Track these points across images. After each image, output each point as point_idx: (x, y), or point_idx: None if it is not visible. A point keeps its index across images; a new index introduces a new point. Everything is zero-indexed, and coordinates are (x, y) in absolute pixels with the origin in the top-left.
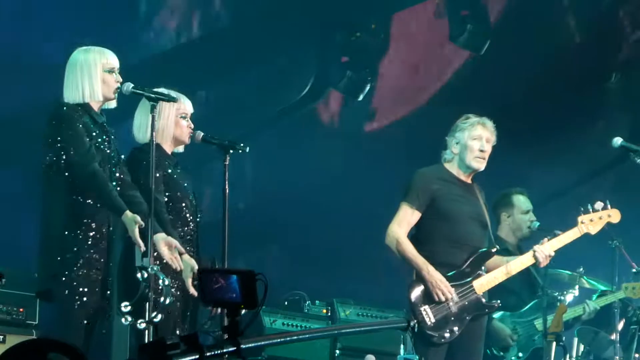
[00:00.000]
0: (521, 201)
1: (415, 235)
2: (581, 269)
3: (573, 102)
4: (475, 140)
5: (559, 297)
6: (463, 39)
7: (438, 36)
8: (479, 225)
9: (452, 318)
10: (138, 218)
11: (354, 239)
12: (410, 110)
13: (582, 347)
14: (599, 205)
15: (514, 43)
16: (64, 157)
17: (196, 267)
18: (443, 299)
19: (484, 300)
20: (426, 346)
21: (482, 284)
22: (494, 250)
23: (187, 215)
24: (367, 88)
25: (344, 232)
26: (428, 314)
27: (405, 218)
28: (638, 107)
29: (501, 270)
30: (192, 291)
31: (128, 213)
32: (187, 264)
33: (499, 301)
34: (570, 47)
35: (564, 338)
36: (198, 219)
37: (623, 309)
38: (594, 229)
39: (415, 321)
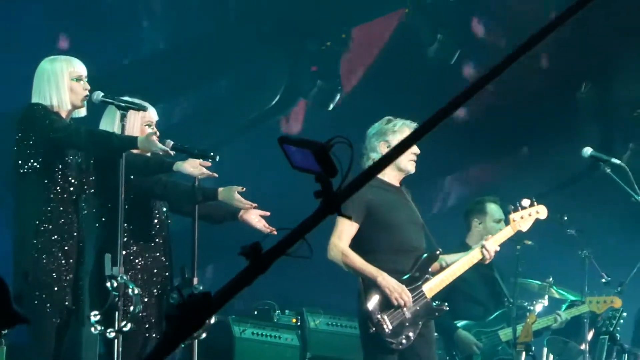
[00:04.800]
0: (493, 209)
1: (357, 246)
2: (550, 279)
3: (543, 111)
4: None
5: (528, 307)
6: (434, 49)
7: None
8: (418, 229)
9: (407, 324)
10: (152, 130)
11: (324, 248)
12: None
13: (551, 357)
14: (526, 202)
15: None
16: (51, 137)
17: (234, 186)
18: (402, 302)
19: (434, 304)
20: (382, 354)
21: (431, 287)
22: (437, 252)
23: (158, 220)
24: (337, 98)
25: (314, 241)
26: (385, 322)
27: (344, 231)
28: (608, 117)
29: (448, 271)
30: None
31: (139, 136)
32: (226, 191)
33: (446, 304)
34: (540, 56)
35: (533, 348)
36: (169, 222)
37: (593, 319)
38: (525, 226)
39: (373, 329)
